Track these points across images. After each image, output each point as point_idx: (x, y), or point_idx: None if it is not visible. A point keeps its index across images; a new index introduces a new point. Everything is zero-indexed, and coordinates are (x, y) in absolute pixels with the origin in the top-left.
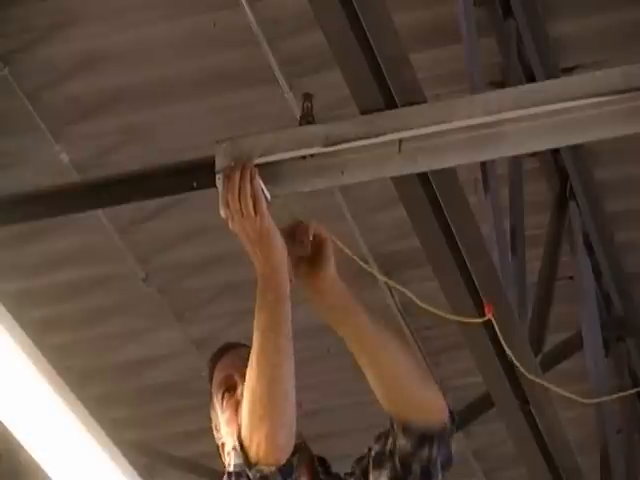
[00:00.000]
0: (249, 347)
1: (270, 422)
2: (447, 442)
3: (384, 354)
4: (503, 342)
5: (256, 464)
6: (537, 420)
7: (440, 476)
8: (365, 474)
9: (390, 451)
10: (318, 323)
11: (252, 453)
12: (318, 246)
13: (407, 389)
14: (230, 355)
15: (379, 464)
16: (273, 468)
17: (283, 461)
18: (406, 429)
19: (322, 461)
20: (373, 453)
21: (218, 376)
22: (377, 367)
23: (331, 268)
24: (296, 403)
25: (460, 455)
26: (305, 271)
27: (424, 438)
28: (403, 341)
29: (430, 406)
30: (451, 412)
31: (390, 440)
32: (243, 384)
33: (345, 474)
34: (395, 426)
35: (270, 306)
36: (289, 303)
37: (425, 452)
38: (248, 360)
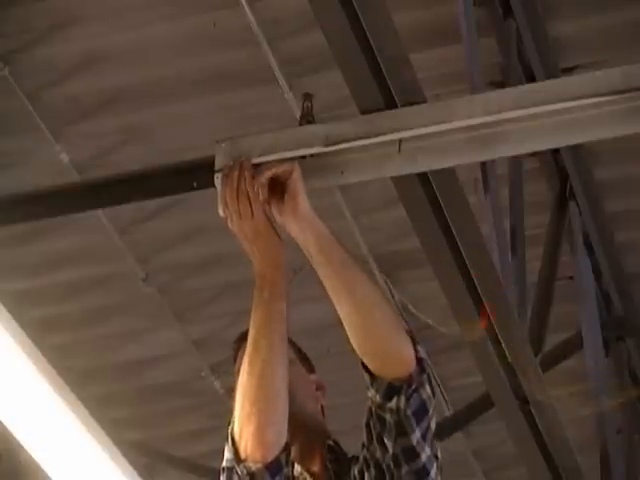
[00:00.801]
0: None
1: (258, 419)
2: (417, 393)
3: (352, 295)
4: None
5: (245, 460)
6: (537, 420)
7: (418, 430)
8: (367, 460)
9: (369, 408)
10: (318, 323)
11: (241, 449)
12: (287, 184)
13: (373, 336)
14: None
15: (366, 430)
16: (260, 465)
17: (270, 459)
18: (374, 381)
19: (331, 448)
20: (364, 425)
21: (240, 361)
22: (345, 310)
23: (300, 206)
24: (319, 389)
25: (460, 455)
26: (278, 209)
27: (391, 389)
28: (375, 288)
29: (395, 355)
30: (420, 361)
31: (368, 404)
32: None
33: (351, 458)
34: (365, 378)
35: (265, 303)
36: (285, 302)
37: (393, 404)
38: None
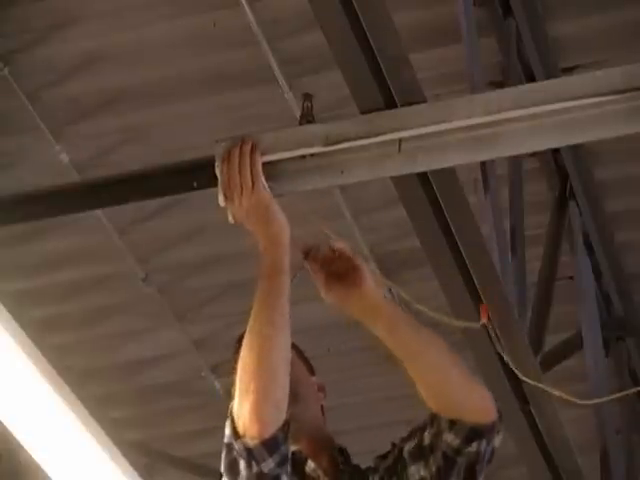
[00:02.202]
0: None
1: (255, 395)
2: (493, 440)
3: (426, 359)
4: (500, 349)
5: (242, 436)
6: (537, 420)
7: (482, 477)
8: (393, 471)
9: (431, 445)
10: (318, 323)
11: (239, 425)
12: (350, 264)
13: (451, 392)
14: None
15: (417, 458)
16: (257, 441)
17: (266, 435)
18: (453, 424)
19: (341, 451)
20: (408, 448)
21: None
22: (420, 372)
23: (367, 286)
24: (320, 390)
25: None
26: (341, 291)
27: (473, 433)
28: (443, 345)
29: (476, 407)
30: (499, 411)
31: (430, 433)
32: None
33: (367, 468)
34: (442, 422)
35: (267, 279)
36: (287, 279)
37: (473, 448)
38: None
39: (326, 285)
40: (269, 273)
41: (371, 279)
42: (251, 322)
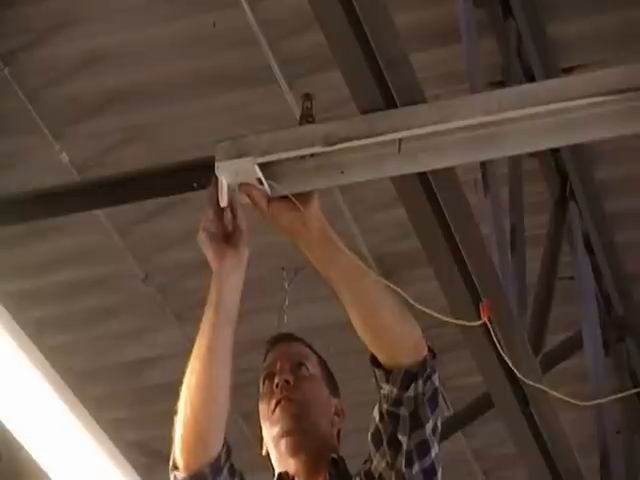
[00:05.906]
0: (306, 344)
1: (183, 429)
2: (431, 379)
3: (360, 289)
4: (500, 348)
5: (175, 469)
6: (537, 420)
7: (431, 420)
8: (369, 471)
9: (379, 413)
10: (318, 323)
11: (174, 457)
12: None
13: (387, 320)
14: (285, 345)
15: (376, 442)
16: (184, 475)
17: (193, 471)
18: (390, 374)
19: (335, 462)
20: (369, 437)
21: (266, 360)
22: (355, 302)
23: (312, 209)
24: (337, 414)
25: (460, 455)
26: (284, 208)
27: (409, 376)
28: (378, 280)
29: (410, 338)
30: (430, 347)
31: (376, 409)
32: (280, 376)
33: (355, 473)
34: (378, 375)
35: (206, 309)
36: (223, 315)
37: (411, 392)
38: (299, 356)
39: (270, 209)
40: (209, 301)
41: (317, 206)
42: (190, 359)
